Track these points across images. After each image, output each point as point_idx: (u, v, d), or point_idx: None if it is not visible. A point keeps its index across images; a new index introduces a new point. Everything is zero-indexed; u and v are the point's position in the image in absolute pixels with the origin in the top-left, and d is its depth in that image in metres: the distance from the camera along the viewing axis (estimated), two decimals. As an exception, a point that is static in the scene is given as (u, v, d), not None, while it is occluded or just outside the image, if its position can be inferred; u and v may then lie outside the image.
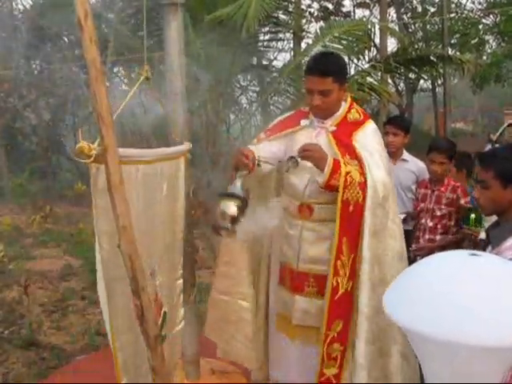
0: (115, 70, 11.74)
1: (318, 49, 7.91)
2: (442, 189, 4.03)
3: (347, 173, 2.78)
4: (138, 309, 2.00)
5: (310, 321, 3.03)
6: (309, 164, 2.86)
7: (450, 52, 16.12)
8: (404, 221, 3.81)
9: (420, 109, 30.82)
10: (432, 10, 22.95)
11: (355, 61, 14.93)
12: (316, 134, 3.03)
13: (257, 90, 9.96)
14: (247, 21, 6.86)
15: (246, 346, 3.29)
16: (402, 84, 24.41)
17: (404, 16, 24.41)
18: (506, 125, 15.70)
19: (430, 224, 4.05)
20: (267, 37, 10.45)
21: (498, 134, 14.95)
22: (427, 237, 4.06)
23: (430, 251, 3.72)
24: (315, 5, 21.25)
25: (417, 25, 23.58)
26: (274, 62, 11.25)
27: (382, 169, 2.88)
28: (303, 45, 10.84)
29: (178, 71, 3.24)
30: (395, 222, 2.93)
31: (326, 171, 2.78)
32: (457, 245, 3.92)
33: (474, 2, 24.26)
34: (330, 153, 2.88)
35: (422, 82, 23.58)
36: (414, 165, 4.34)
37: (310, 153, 2.81)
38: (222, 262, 3.29)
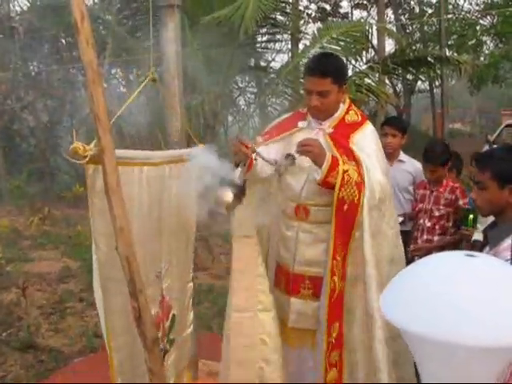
0: (113, 71, 11.75)
1: (315, 50, 7.91)
2: (441, 189, 4.04)
3: (345, 171, 2.77)
4: (135, 311, 2.00)
5: (305, 323, 3.02)
6: (306, 164, 2.85)
7: (447, 53, 16.17)
8: (401, 222, 3.82)
9: (418, 110, 30.89)
10: (429, 11, 23.02)
11: (353, 62, 14.92)
12: (314, 135, 3.02)
13: (255, 92, 9.96)
14: (245, 22, 6.86)
15: (272, 368, 3.00)
16: (399, 85, 24.45)
17: (401, 17, 24.48)
18: (503, 125, 15.74)
19: (428, 224, 4.06)
20: (265, 38, 10.45)
21: (495, 134, 14.98)
22: (425, 237, 4.06)
23: (428, 252, 3.72)
24: (313, 6, 21.32)
25: (414, 26, 23.65)
26: (272, 64, 11.28)
27: (379, 171, 2.87)
28: (301, 46, 10.83)
29: (175, 72, 3.23)
30: (389, 224, 2.91)
31: (323, 167, 2.76)
32: (455, 245, 3.92)
33: (471, 3, 24.26)
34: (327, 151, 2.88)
35: (419, 83, 23.65)
36: (410, 165, 4.34)
37: (309, 147, 2.77)
38: (236, 271, 3.11)
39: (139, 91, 2.70)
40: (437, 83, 21.56)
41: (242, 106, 9.91)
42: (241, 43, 7.69)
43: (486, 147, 11.73)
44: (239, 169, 2.81)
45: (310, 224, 2.97)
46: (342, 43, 8.30)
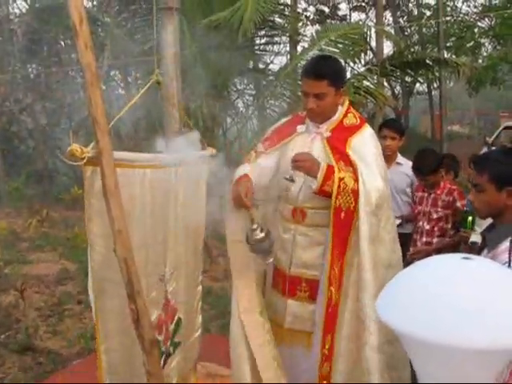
0: (112, 73, 11.75)
1: (314, 52, 7.93)
2: (438, 192, 4.04)
3: (340, 179, 2.77)
4: (133, 313, 2.00)
5: (300, 325, 3.02)
6: (300, 174, 2.87)
7: (445, 55, 16.17)
8: (399, 224, 3.82)
9: (416, 112, 30.93)
10: (428, 13, 23.04)
11: (351, 64, 14.94)
12: (311, 140, 3.02)
13: (253, 94, 9.96)
14: (243, 24, 6.88)
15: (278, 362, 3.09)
16: (398, 87, 24.48)
17: (400, 19, 24.53)
18: (501, 127, 15.77)
19: (427, 227, 4.06)
20: (263, 40, 10.47)
21: (493, 136, 15.01)
22: (424, 240, 4.07)
23: (427, 254, 3.72)
24: (311, 8, 21.35)
25: (413, 28, 23.68)
26: (271, 66, 11.28)
27: (376, 176, 2.86)
28: (299, 48, 10.85)
29: (173, 75, 3.23)
30: (385, 228, 2.88)
31: (318, 177, 2.78)
32: (454, 248, 3.92)
33: (469, 6, 24.33)
34: (324, 159, 2.88)
35: (418, 85, 23.68)
36: (408, 168, 4.34)
37: (300, 163, 2.80)
38: (237, 276, 3.13)
39: (142, 93, 2.71)
40: (435, 85, 21.63)
41: (241, 109, 9.92)
42: (239, 45, 7.70)
43: (485, 149, 11.75)
44: (255, 225, 2.83)
45: (307, 227, 2.97)
46: (340, 45, 8.31)
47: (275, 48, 11.05)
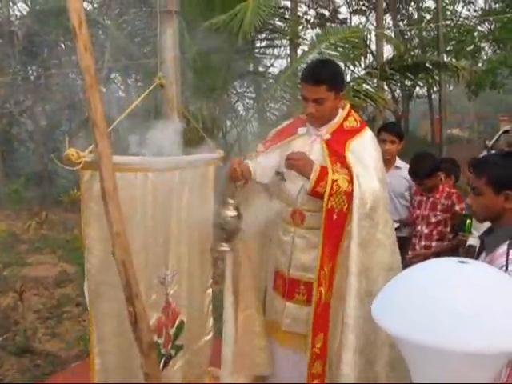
0: (112, 76, 11.76)
1: (314, 55, 7.95)
2: (437, 195, 4.04)
3: (334, 181, 2.78)
4: (131, 315, 2.00)
5: (298, 328, 3.03)
6: (294, 173, 2.87)
7: (445, 59, 16.21)
8: (397, 228, 3.82)
9: (416, 115, 30.96)
10: (428, 17, 23.08)
11: (351, 67, 14.96)
12: (311, 142, 3.03)
13: (253, 97, 9.98)
14: (243, 28, 6.88)
15: (265, 354, 3.27)
16: (398, 91, 24.52)
17: (400, 23, 24.56)
18: (501, 131, 15.76)
19: (426, 231, 4.06)
20: (263, 44, 10.49)
21: (493, 140, 15.00)
22: (423, 243, 4.07)
23: (426, 258, 3.72)
24: (311, 12, 21.38)
25: (413, 32, 23.72)
26: (271, 69, 11.30)
27: (373, 179, 2.85)
28: (299, 51, 10.86)
29: (173, 78, 3.24)
30: (385, 232, 2.88)
31: (311, 178, 2.79)
32: (453, 251, 3.92)
33: (469, 10, 24.37)
34: (322, 162, 2.89)
35: (417, 88, 23.71)
36: (406, 172, 4.33)
37: (293, 161, 2.82)
38: (240, 276, 3.24)
39: (144, 96, 2.71)
40: (435, 89, 21.63)
41: (241, 111, 9.93)
42: (239, 48, 7.72)
43: (484, 153, 11.75)
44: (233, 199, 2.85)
45: (305, 229, 2.98)
46: (340, 49, 8.33)
47: (275, 51, 11.09)
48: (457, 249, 3.97)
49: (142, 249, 2.61)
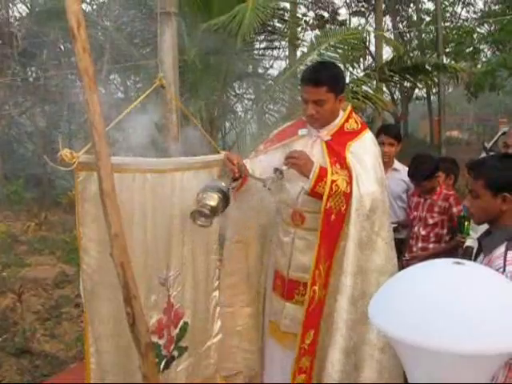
0: (111, 77, 11.76)
1: (313, 57, 7.94)
2: (434, 197, 4.04)
3: (333, 181, 2.79)
4: (129, 317, 2.00)
5: (296, 328, 3.04)
6: (293, 171, 2.87)
7: (444, 61, 16.21)
8: (395, 230, 3.82)
9: (415, 117, 30.96)
10: (427, 18, 23.10)
11: (350, 69, 14.97)
12: (312, 143, 3.04)
13: (252, 98, 9.98)
14: (242, 29, 6.87)
15: (250, 353, 3.39)
16: (397, 92, 24.53)
17: (399, 25, 24.57)
18: (500, 133, 15.71)
19: (423, 232, 4.06)
20: (263, 45, 10.49)
21: (492, 142, 14.98)
22: (420, 245, 4.07)
23: (423, 260, 3.72)
24: (311, 13, 21.38)
25: (412, 33, 23.74)
26: (270, 70, 11.30)
27: (372, 181, 2.86)
28: (299, 53, 10.88)
29: (171, 79, 3.25)
30: (380, 234, 2.88)
31: (310, 178, 2.80)
32: (450, 253, 3.92)
33: (468, 12, 24.40)
34: (322, 162, 2.89)
35: (417, 90, 23.72)
36: (404, 174, 4.33)
37: (294, 160, 2.82)
38: (226, 273, 3.33)
39: (143, 97, 2.71)
40: (434, 91, 21.64)
41: (240, 113, 9.93)
42: (238, 50, 7.71)
43: (483, 155, 11.74)
44: (226, 177, 2.84)
45: (305, 230, 2.99)
46: (339, 50, 8.32)
47: (274, 52, 11.10)
48: (455, 250, 3.97)
49: (141, 250, 2.61)
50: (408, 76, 9.78)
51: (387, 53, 17.08)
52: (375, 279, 2.83)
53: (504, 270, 2.06)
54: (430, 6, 23.12)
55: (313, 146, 3.02)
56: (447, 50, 19.92)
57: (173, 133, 3.26)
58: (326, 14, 22.42)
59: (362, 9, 24.04)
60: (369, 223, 2.81)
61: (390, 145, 4.27)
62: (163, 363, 2.86)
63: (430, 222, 4.03)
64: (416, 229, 4.10)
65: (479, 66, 20.54)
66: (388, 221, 3.00)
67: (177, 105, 3.24)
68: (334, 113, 3.01)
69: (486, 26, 21.15)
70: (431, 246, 4.04)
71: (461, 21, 23.41)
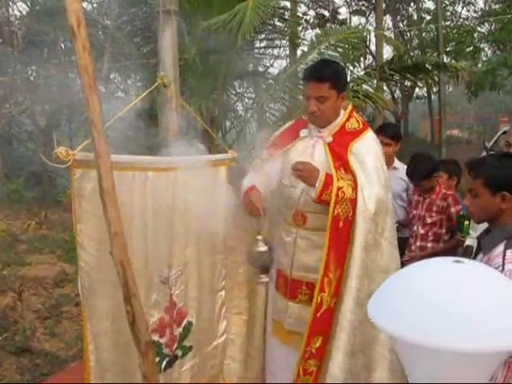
0: (111, 76, 11.76)
1: (313, 56, 7.94)
2: (433, 196, 4.05)
3: (339, 188, 2.79)
4: (128, 315, 2.00)
5: (301, 327, 3.03)
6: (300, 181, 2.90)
7: (445, 60, 16.19)
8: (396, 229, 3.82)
9: (415, 116, 30.95)
10: (428, 17, 23.08)
11: (351, 68, 14.95)
12: (313, 144, 3.03)
13: (252, 97, 9.97)
14: (243, 28, 6.87)
15: (236, 365, 3.39)
16: (397, 91, 24.51)
17: (400, 24, 24.55)
18: (500, 132, 15.70)
19: (422, 231, 4.06)
20: (263, 44, 10.48)
21: (492, 141, 14.97)
22: (418, 244, 4.07)
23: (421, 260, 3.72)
24: (311, 12, 21.37)
25: (412, 32, 23.71)
26: (270, 69, 11.29)
27: (376, 183, 2.86)
28: (299, 52, 10.86)
29: (172, 78, 3.24)
30: (383, 235, 2.90)
31: (317, 187, 2.81)
32: (450, 252, 3.92)
33: (469, 11, 24.36)
34: (325, 165, 2.89)
35: (417, 89, 23.70)
36: (404, 172, 4.33)
37: (298, 172, 2.83)
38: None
39: (144, 95, 2.72)
40: (434, 90, 21.62)
41: (240, 112, 9.93)
42: (239, 49, 7.70)
43: (484, 154, 11.73)
44: (260, 240, 2.90)
45: (308, 230, 2.99)
46: (340, 49, 8.31)
47: (275, 51, 11.08)
48: (454, 250, 3.97)
49: (141, 248, 2.61)
50: (408, 75, 9.78)
51: (388, 52, 17.06)
52: (381, 279, 2.83)
53: (503, 269, 2.07)
54: (431, 5, 23.12)
55: (314, 146, 3.02)
56: (448, 49, 19.89)
57: (173, 131, 3.26)
58: (326, 13, 22.41)
59: (363, 8, 24.02)
60: (374, 226, 2.82)
61: (386, 145, 4.24)
62: (165, 362, 2.86)
63: (429, 221, 4.03)
64: (415, 227, 4.11)
65: (480, 65, 20.51)
66: (391, 221, 3.00)
67: (177, 103, 3.24)
68: (335, 111, 3.01)
69: (486, 25, 21.13)
70: (429, 245, 4.04)
71: (461, 20, 23.39)
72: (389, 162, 4.30)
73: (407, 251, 4.11)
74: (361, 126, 3.06)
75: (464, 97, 21.97)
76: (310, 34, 18.00)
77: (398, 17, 24.68)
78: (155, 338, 2.75)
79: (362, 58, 17.36)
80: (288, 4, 11.05)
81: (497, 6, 21.11)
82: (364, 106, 9.52)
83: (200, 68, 7.27)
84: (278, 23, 10.10)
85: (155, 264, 2.74)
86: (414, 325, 1.08)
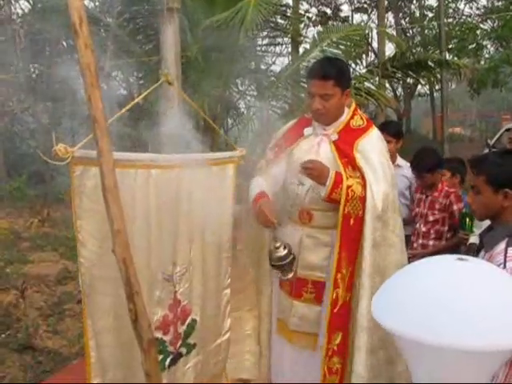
0: (113, 73, 11.74)
1: (315, 53, 7.93)
2: (436, 194, 4.04)
3: (349, 186, 2.79)
4: (131, 313, 2.00)
5: (306, 327, 3.04)
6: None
7: (447, 57, 16.18)
8: None
9: (418, 113, 30.94)
10: (430, 15, 23.06)
11: (353, 65, 14.94)
12: (318, 142, 3.02)
13: (254, 95, 9.96)
14: (245, 25, 6.86)
15: (255, 358, 3.37)
16: (399, 89, 24.50)
17: (402, 21, 24.53)
18: (503, 129, 15.71)
19: (424, 229, 4.06)
20: (265, 41, 10.46)
21: (495, 138, 14.96)
22: (420, 242, 4.07)
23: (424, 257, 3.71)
24: (313, 9, 21.37)
25: (414, 30, 23.70)
26: (272, 67, 11.26)
27: (382, 180, 2.86)
28: (301, 50, 10.86)
29: (174, 75, 3.24)
30: (394, 232, 2.90)
31: (327, 185, 2.80)
32: (452, 250, 3.91)
33: (471, 8, 24.34)
34: (332, 163, 2.89)
35: (419, 86, 23.68)
36: (407, 170, 4.33)
37: (309, 171, 2.82)
38: (233, 277, 3.32)
39: (147, 93, 2.72)
40: (437, 87, 21.62)
41: (242, 109, 9.92)
42: (241, 46, 7.70)
43: (486, 151, 11.72)
44: (280, 245, 2.87)
45: (314, 228, 2.99)
46: (342, 47, 8.30)
47: (277, 49, 11.06)
48: (456, 248, 3.97)
49: (143, 246, 2.60)
50: (411, 72, 9.78)
51: (390, 49, 17.06)
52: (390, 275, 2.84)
53: (504, 266, 2.06)
54: (433, 2, 23.19)
55: (320, 144, 3.01)
56: (450, 46, 19.89)
57: (175, 129, 3.25)
58: (328, 11, 22.43)
59: (365, 5, 24.02)
60: (381, 223, 2.82)
61: (388, 142, 4.22)
62: (169, 360, 2.86)
63: (431, 218, 4.03)
64: (417, 225, 4.10)
65: (482, 62, 20.52)
66: (399, 217, 3.01)
67: (179, 101, 3.23)
68: (339, 108, 3.00)
69: (489, 22, 21.12)
70: (431, 242, 4.04)
71: (464, 17, 23.36)
72: (391, 160, 4.30)
73: (409, 249, 4.10)
74: (365, 123, 3.06)
75: (466, 94, 21.95)
76: (312, 32, 18.03)
77: (400, 14, 24.67)
78: (159, 335, 2.75)
79: (364, 56, 17.37)
80: (290, 1, 11.07)
81: (499, 3, 21.08)
82: (366, 104, 9.53)
83: (202, 66, 7.27)
84: (280, 21, 10.09)
85: (159, 262, 2.73)
86: (417, 322, 1.08)
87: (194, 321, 2.98)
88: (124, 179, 2.36)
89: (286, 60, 12.27)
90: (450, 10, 23.23)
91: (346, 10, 24.50)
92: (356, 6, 24.14)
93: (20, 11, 14.02)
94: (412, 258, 3.91)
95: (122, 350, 2.54)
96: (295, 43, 11.13)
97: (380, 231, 2.83)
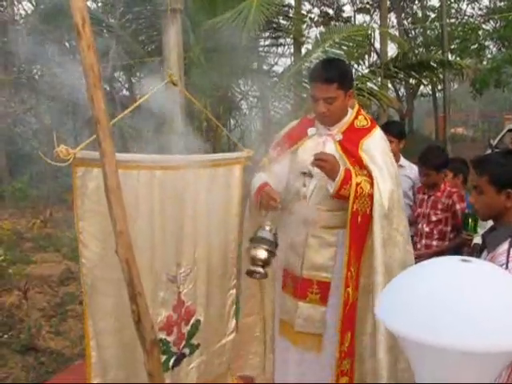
0: (116, 74, 11.76)
1: (318, 54, 7.93)
2: (438, 194, 4.04)
3: (358, 184, 2.79)
4: (134, 314, 2.00)
5: (311, 328, 3.03)
6: (318, 170, 2.87)
7: (450, 57, 16.16)
8: None
9: (420, 114, 30.91)
10: (432, 15, 23.05)
11: (355, 66, 14.94)
12: (323, 142, 3.02)
13: (257, 95, 9.96)
14: (247, 26, 6.87)
15: (260, 358, 3.38)
16: (402, 89, 24.49)
17: (404, 21, 24.51)
18: (505, 130, 15.67)
19: (427, 229, 4.06)
20: (267, 42, 10.47)
21: (497, 139, 14.93)
22: (424, 242, 4.06)
23: (428, 258, 3.70)
24: (315, 10, 21.37)
25: (417, 30, 23.68)
26: (275, 67, 11.27)
27: (388, 180, 2.87)
28: (303, 50, 10.85)
29: (176, 76, 3.24)
30: (398, 230, 2.91)
31: (336, 181, 2.80)
32: (456, 250, 3.91)
33: (474, 8, 24.32)
34: (339, 162, 2.89)
35: (422, 87, 23.66)
36: (410, 170, 4.33)
37: (322, 163, 2.81)
38: (245, 283, 3.31)
39: (151, 94, 2.72)
40: (439, 87, 21.59)
41: (244, 110, 9.92)
42: (243, 47, 7.70)
43: (489, 152, 11.71)
44: (268, 223, 2.83)
45: (318, 228, 2.98)
46: (344, 47, 8.31)
47: (279, 49, 11.06)
48: (459, 248, 3.96)
49: (146, 247, 2.61)
50: (413, 73, 9.77)
51: (392, 49, 17.02)
52: (398, 273, 2.84)
53: (507, 267, 2.06)
54: (435, 2, 23.15)
55: (324, 144, 3.01)
56: (452, 46, 19.84)
57: (178, 129, 3.25)
58: (330, 11, 22.41)
59: (367, 5, 24.00)
60: (387, 221, 2.82)
61: (390, 143, 4.23)
62: (173, 360, 2.86)
63: (434, 218, 4.03)
64: (420, 225, 4.10)
65: (484, 62, 20.47)
66: (404, 216, 3.02)
67: (181, 101, 3.23)
68: (343, 110, 3.01)
69: (491, 22, 21.08)
70: (435, 243, 4.04)
71: (466, 17, 23.34)
72: (395, 160, 4.30)
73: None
74: (369, 123, 3.07)
75: (469, 94, 21.90)
76: (315, 32, 17.99)
77: (403, 14, 24.64)
78: (163, 336, 2.76)
79: (366, 56, 17.36)
80: (292, 2, 11.06)
81: (502, 4, 21.05)
82: (369, 104, 9.51)
83: (204, 66, 7.27)
84: (283, 21, 10.10)
85: (163, 262, 2.74)
86: (420, 323, 1.08)
87: (197, 321, 2.98)
88: (127, 180, 2.36)
89: (288, 61, 12.27)
90: (453, 11, 23.20)
91: (348, 10, 24.63)
92: (358, 6, 24.12)
93: (23, 12, 14.05)
94: (416, 259, 3.91)
95: (123, 350, 2.54)
96: (297, 44, 11.12)
97: (386, 229, 2.84)
